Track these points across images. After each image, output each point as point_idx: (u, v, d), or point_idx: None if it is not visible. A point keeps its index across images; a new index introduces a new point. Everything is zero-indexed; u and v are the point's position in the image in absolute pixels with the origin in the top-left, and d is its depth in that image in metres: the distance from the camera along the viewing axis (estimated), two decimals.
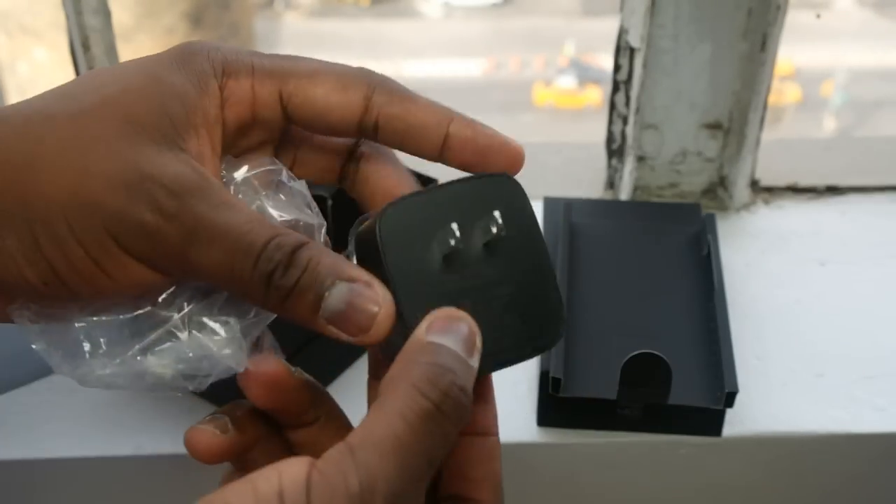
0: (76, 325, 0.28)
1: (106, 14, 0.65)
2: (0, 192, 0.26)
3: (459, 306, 0.28)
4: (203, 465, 0.55)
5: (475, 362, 0.27)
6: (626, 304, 0.59)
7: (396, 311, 0.28)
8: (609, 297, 0.59)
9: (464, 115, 0.31)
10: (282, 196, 0.30)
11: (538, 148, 0.79)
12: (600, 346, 0.56)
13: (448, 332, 0.27)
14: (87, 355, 0.28)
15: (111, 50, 0.66)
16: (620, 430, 0.54)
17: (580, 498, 0.58)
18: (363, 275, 0.27)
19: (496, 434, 0.31)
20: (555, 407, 0.54)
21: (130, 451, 0.54)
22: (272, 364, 0.29)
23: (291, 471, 0.24)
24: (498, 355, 0.29)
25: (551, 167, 0.76)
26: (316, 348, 0.56)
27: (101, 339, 0.28)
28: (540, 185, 0.73)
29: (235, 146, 0.31)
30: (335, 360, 0.58)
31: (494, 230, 0.29)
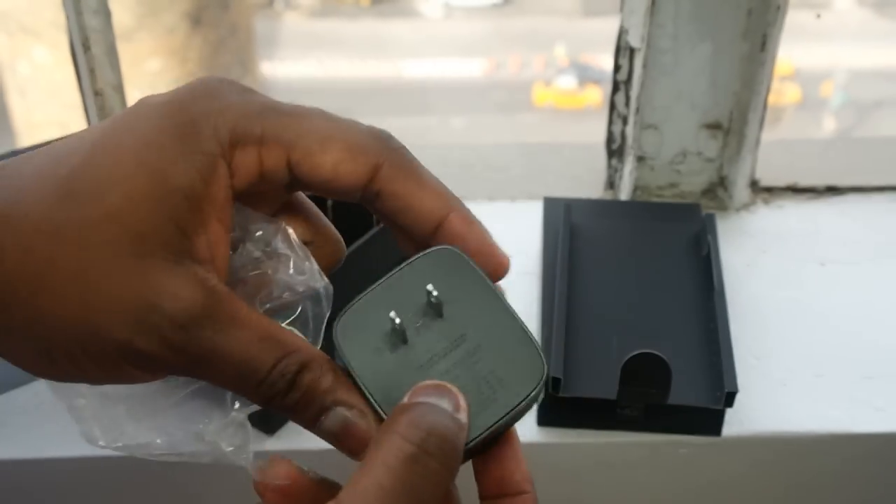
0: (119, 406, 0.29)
1: (106, 14, 0.65)
2: (10, 309, 0.27)
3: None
4: (203, 466, 0.55)
5: (463, 417, 0.28)
6: (625, 305, 0.59)
7: (375, 414, 0.29)
8: (609, 297, 0.59)
9: (464, 210, 0.31)
10: (291, 260, 0.30)
11: (538, 148, 0.79)
12: (600, 346, 0.56)
13: (430, 395, 0.28)
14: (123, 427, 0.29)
15: (111, 50, 0.66)
16: (620, 429, 0.54)
17: (580, 498, 0.58)
18: (358, 402, 0.29)
19: (529, 491, 0.30)
20: (555, 407, 0.54)
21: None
22: (284, 469, 0.29)
23: None
24: (487, 420, 0.29)
25: (551, 167, 0.76)
26: None
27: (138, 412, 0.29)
28: (540, 186, 0.73)
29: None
30: None
31: (434, 300, 0.30)
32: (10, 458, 0.53)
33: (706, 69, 0.66)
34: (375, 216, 0.32)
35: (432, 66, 9.19)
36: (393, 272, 0.31)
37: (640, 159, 0.70)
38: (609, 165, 0.73)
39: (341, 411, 0.28)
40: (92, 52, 0.65)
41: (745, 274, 0.65)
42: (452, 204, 0.31)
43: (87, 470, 0.55)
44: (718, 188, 0.72)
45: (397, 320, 0.29)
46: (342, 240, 0.33)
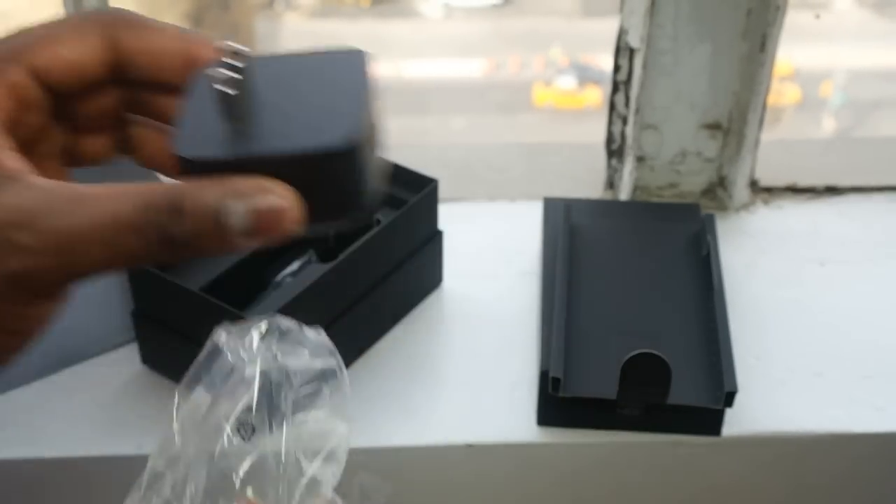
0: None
1: None
2: None
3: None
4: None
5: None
6: (625, 304, 0.59)
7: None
8: (608, 297, 0.59)
9: (173, 27, 0.30)
10: (304, 349, 0.30)
11: (538, 148, 0.79)
12: (600, 346, 0.56)
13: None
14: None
15: None
16: (620, 429, 0.54)
17: (580, 498, 0.58)
18: (250, 184, 0.26)
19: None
20: (554, 406, 0.54)
21: (132, 450, 0.54)
22: None
23: None
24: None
25: (551, 168, 0.76)
26: None
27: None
28: (540, 186, 0.73)
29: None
30: None
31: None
32: (10, 458, 0.54)
33: (706, 69, 0.67)
34: (129, 115, 0.32)
35: (432, 67, 9.19)
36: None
37: (640, 159, 0.70)
38: (609, 166, 0.73)
39: (239, 203, 0.25)
40: None
41: (744, 274, 0.65)
42: (191, 37, 0.30)
43: (88, 470, 0.55)
44: (718, 188, 0.72)
45: None
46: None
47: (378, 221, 0.56)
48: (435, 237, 0.61)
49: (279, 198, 0.26)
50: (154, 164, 0.33)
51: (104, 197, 0.26)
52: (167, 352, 0.56)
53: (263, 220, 0.26)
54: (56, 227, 0.25)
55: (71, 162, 0.33)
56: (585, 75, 9.12)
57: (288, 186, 0.26)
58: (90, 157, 0.33)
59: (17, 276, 0.26)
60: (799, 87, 8.61)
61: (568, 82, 9.02)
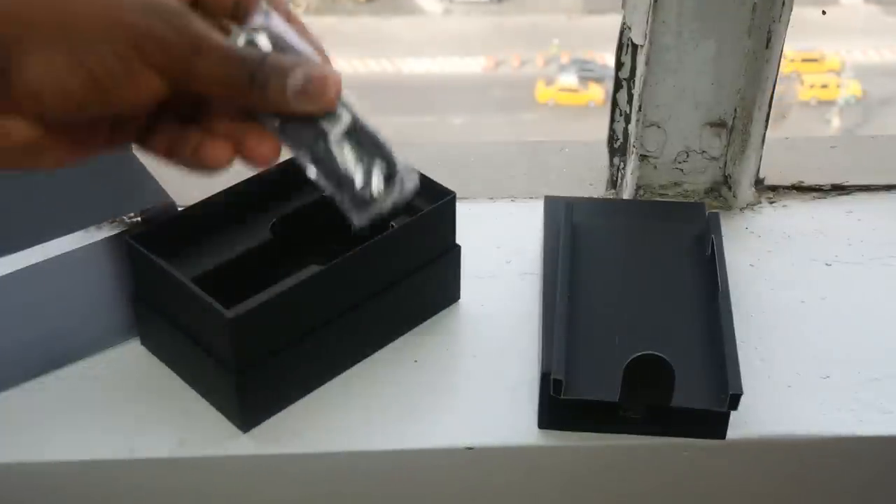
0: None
1: None
2: (42, 21, 0.33)
3: None
4: (202, 468, 0.54)
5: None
6: (628, 305, 0.58)
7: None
8: (611, 298, 0.59)
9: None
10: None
11: (539, 146, 0.78)
12: (602, 348, 0.55)
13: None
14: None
15: None
16: (622, 432, 0.54)
17: (582, 501, 0.58)
18: (311, 61, 0.35)
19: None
20: (556, 409, 0.53)
21: (125, 454, 0.53)
22: None
23: None
24: None
25: (553, 166, 0.75)
26: (305, 351, 0.55)
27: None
28: (541, 184, 0.72)
29: None
30: (327, 362, 0.57)
31: None
32: (6, 462, 0.53)
33: (710, 66, 0.66)
34: None
35: (432, 63, 9.18)
36: None
37: (643, 158, 0.70)
38: (611, 164, 0.72)
39: (300, 68, 0.34)
40: None
41: (749, 274, 0.65)
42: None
43: (81, 474, 0.54)
44: (722, 187, 0.71)
45: None
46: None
47: (392, 227, 0.56)
48: (452, 251, 0.60)
49: (325, 68, 0.35)
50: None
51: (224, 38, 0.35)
52: (163, 336, 0.56)
53: (309, 89, 0.34)
54: (199, 29, 0.34)
55: None
56: (588, 72, 9.13)
57: (335, 69, 0.35)
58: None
59: (161, 40, 0.33)
60: (858, 81, 8.66)
61: (570, 80, 9.03)
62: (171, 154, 0.37)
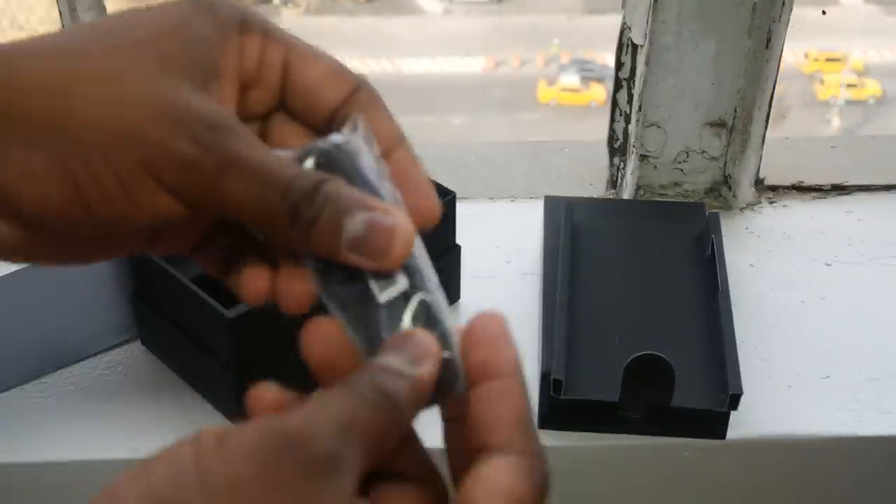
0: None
1: (100, 10, 0.65)
2: (32, 113, 0.27)
3: None
4: None
5: (424, 370, 0.27)
6: (628, 305, 0.58)
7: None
8: (611, 298, 0.58)
9: (410, 148, 0.32)
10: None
11: (540, 146, 0.78)
12: (602, 348, 0.55)
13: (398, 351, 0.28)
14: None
15: None
16: (622, 432, 0.54)
17: (581, 501, 0.58)
18: (383, 204, 0.28)
19: (512, 374, 0.29)
20: (556, 409, 0.53)
21: (125, 454, 0.53)
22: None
23: (213, 425, 0.25)
24: None
25: (553, 166, 0.75)
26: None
27: None
28: (541, 184, 0.72)
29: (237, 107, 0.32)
30: None
31: None
32: (6, 462, 0.53)
33: (710, 66, 0.66)
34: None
35: (431, 63, 9.18)
36: None
37: (643, 158, 0.70)
38: (611, 164, 0.72)
39: (364, 212, 0.28)
40: None
41: (749, 274, 0.65)
42: (402, 138, 0.31)
43: (81, 474, 0.54)
44: (722, 187, 0.71)
45: None
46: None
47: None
48: (452, 251, 0.60)
49: (397, 220, 0.28)
50: None
51: (275, 154, 0.29)
52: (163, 336, 0.56)
53: (370, 241, 0.28)
54: (233, 146, 0.28)
55: None
56: (588, 72, 9.13)
57: (408, 220, 0.29)
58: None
59: (183, 158, 0.27)
60: (878, 82, 8.66)
61: (572, 79, 9.03)
62: (226, 278, 0.32)
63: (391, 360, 0.27)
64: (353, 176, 0.28)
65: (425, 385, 0.27)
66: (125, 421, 0.55)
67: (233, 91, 0.30)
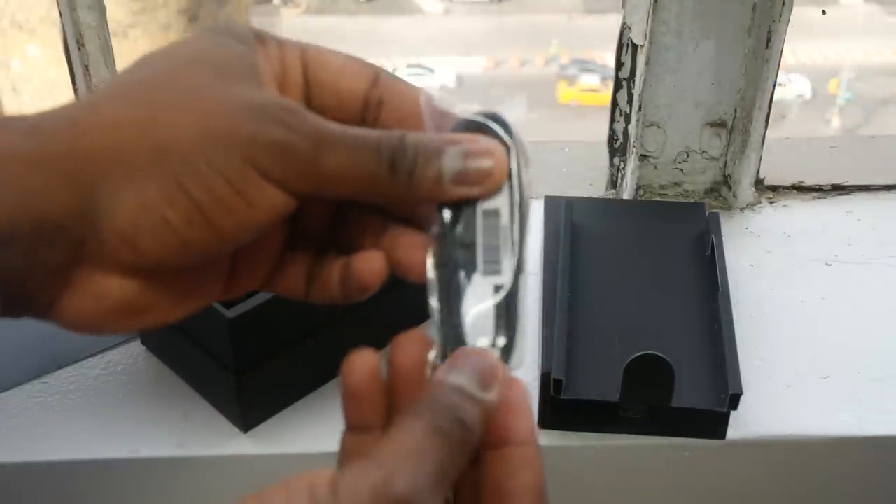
0: None
1: (101, 10, 0.64)
2: (127, 151, 0.28)
3: None
4: (199, 469, 0.54)
5: (489, 395, 0.29)
6: (628, 305, 0.58)
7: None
8: (611, 298, 0.58)
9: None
10: None
11: (540, 146, 0.78)
12: (602, 348, 0.55)
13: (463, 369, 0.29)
14: None
15: (106, 46, 0.65)
16: (622, 432, 0.54)
17: (581, 501, 0.58)
18: (465, 135, 0.30)
19: (532, 444, 0.30)
20: (556, 409, 0.53)
21: (126, 454, 0.53)
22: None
23: (320, 473, 0.26)
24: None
25: (552, 166, 0.75)
26: (301, 355, 0.55)
27: None
28: (541, 184, 0.72)
29: None
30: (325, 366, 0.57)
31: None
32: (2, 462, 0.53)
33: (710, 66, 0.66)
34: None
35: (431, 63, 9.17)
36: None
37: (643, 158, 0.70)
38: (611, 164, 0.72)
39: (455, 147, 0.30)
40: (86, 48, 0.65)
41: (749, 274, 0.65)
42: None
43: (82, 473, 0.54)
44: (722, 187, 0.71)
45: None
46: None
47: None
48: None
49: (488, 151, 0.30)
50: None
51: (351, 126, 0.30)
52: (163, 336, 0.56)
53: (472, 169, 0.30)
54: (318, 123, 0.29)
55: None
56: (588, 72, 9.13)
57: (496, 143, 0.30)
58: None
59: (279, 143, 0.28)
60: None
61: (592, 80, 9.01)
62: (312, 290, 0.33)
63: (463, 380, 0.28)
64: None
65: (493, 410, 0.29)
66: (125, 421, 0.55)
67: (276, 92, 0.31)
